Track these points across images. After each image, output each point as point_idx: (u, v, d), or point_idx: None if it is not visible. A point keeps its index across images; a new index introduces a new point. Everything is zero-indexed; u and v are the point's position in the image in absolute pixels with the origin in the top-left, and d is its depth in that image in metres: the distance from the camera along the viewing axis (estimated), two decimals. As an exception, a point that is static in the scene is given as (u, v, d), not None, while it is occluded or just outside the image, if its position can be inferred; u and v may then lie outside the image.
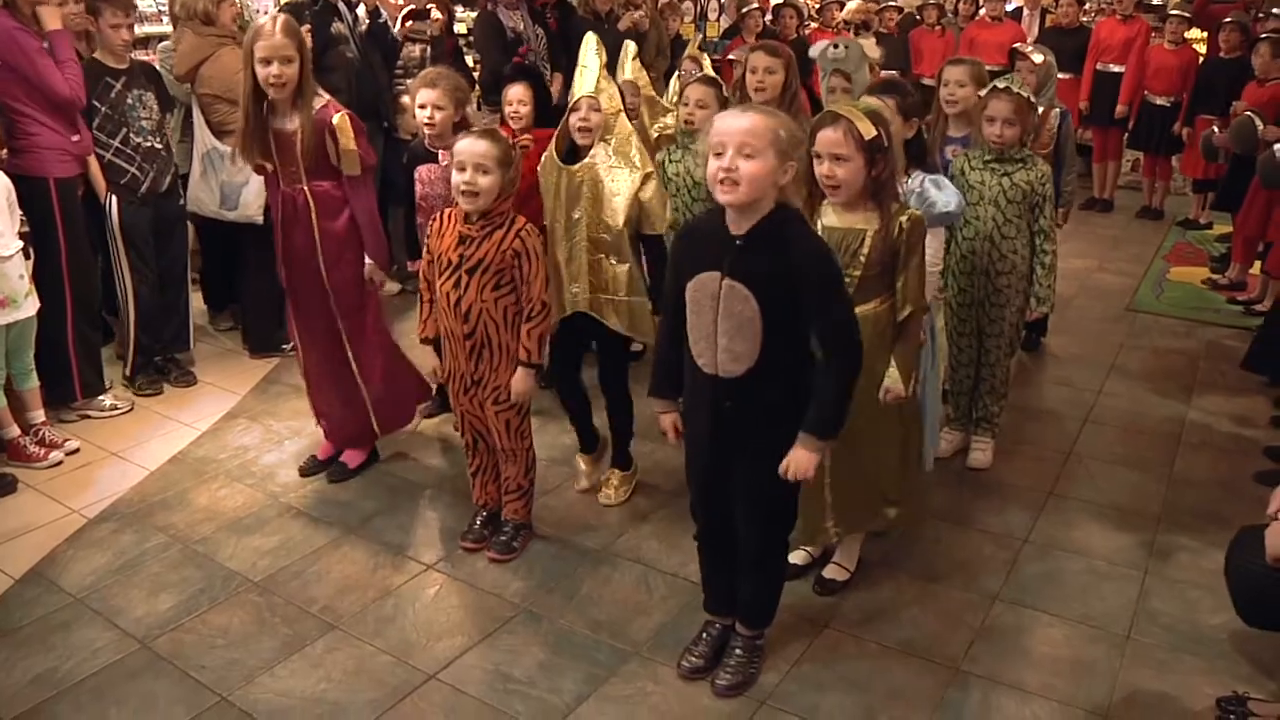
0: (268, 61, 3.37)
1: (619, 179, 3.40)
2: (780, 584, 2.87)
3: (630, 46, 4.18)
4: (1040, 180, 3.75)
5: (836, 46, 4.52)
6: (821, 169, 2.78)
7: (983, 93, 3.81)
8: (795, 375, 2.53)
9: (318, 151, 3.50)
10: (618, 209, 3.40)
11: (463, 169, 3.05)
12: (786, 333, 2.47)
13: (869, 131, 2.74)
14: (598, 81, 3.36)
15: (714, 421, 2.59)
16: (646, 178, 3.41)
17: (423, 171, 3.99)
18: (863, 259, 2.81)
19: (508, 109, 4.22)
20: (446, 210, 3.24)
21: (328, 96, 3.59)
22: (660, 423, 2.78)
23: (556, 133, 3.51)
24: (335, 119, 3.50)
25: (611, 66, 3.67)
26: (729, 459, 2.63)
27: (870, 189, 2.79)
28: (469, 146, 3.06)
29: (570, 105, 3.44)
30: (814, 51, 4.73)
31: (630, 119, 4.22)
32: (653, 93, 4.63)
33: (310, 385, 3.95)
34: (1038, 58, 4.68)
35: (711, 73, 4.50)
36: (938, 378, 3.68)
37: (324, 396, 3.93)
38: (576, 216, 3.46)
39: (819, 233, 2.80)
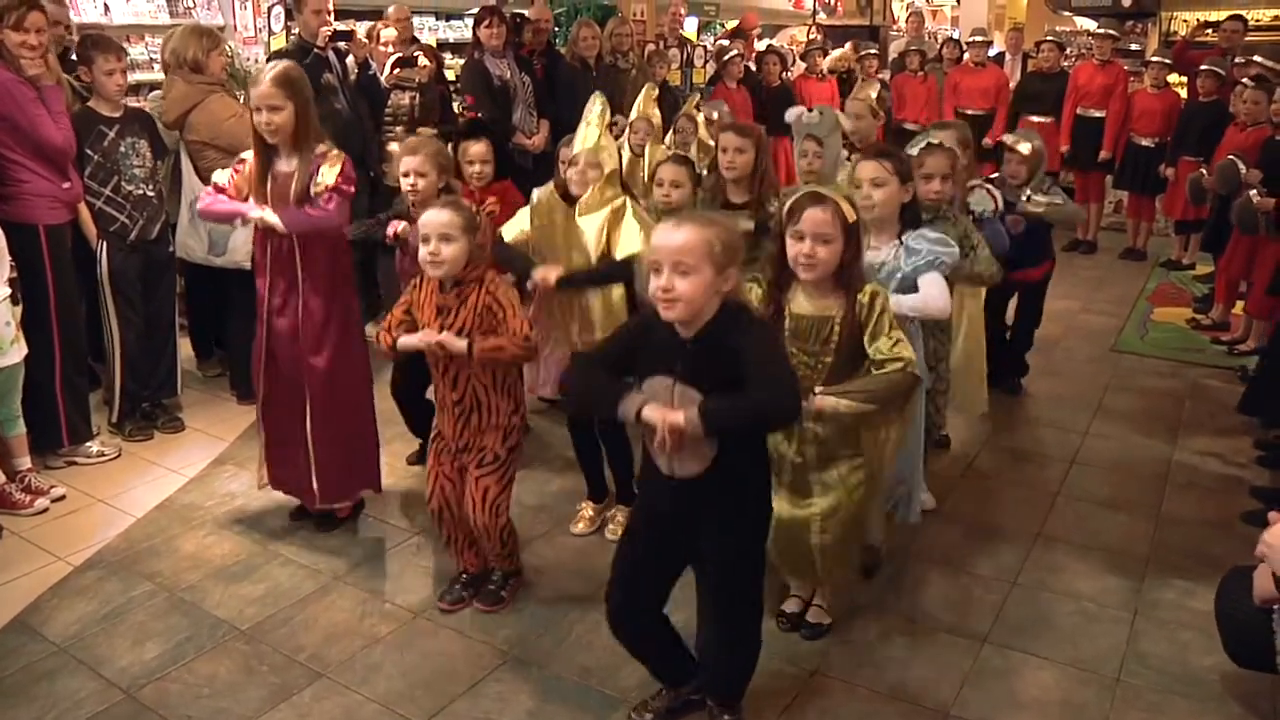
0: (259, 109, 3.45)
1: (588, 216, 3.53)
2: (755, 661, 2.78)
3: (651, 88, 4.29)
4: (965, 233, 3.74)
5: (812, 111, 4.59)
6: (802, 248, 2.78)
7: (914, 150, 3.83)
8: (751, 471, 2.55)
9: (308, 195, 3.52)
10: (587, 246, 3.52)
11: (427, 240, 3.06)
12: (742, 435, 2.47)
13: (851, 214, 2.78)
14: (599, 140, 3.42)
15: (671, 518, 2.59)
16: (616, 209, 3.49)
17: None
18: (834, 345, 2.83)
19: (469, 168, 4.31)
20: (428, 279, 3.22)
21: (330, 145, 3.64)
22: (648, 419, 2.36)
23: (554, 182, 3.58)
24: (331, 154, 3.57)
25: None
26: (681, 559, 2.63)
27: (838, 273, 2.82)
28: (433, 218, 3.07)
29: (569, 160, 3.50)
30: (789, 116, 4.79)
31: (638, 153, 4.31)
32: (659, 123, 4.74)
33: (268, 442, 3.86)
34: (1025, 148, 4.72)
35: (706, 133, 4.57)
36: (920, 430, 3.66)
37: (279, 450, 3.85)
38: (577, 260, 3.54)
39: (789, 319, 2.85)
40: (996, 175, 4.84)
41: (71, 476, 4.31)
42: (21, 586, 3.50)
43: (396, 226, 3.97)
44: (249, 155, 3.60)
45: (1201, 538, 3.85)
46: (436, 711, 2.89)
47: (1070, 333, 6.44)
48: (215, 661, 3.11)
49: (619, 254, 3.50)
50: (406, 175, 3.88)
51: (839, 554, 3.08)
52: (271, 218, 3.49)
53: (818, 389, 2.82)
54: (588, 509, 3.93)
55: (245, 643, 3.21)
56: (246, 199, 3.58)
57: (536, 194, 3.68)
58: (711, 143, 4.51)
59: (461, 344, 3.06)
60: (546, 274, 3.49)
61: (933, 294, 3.22)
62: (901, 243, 3.29)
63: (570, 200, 3.56)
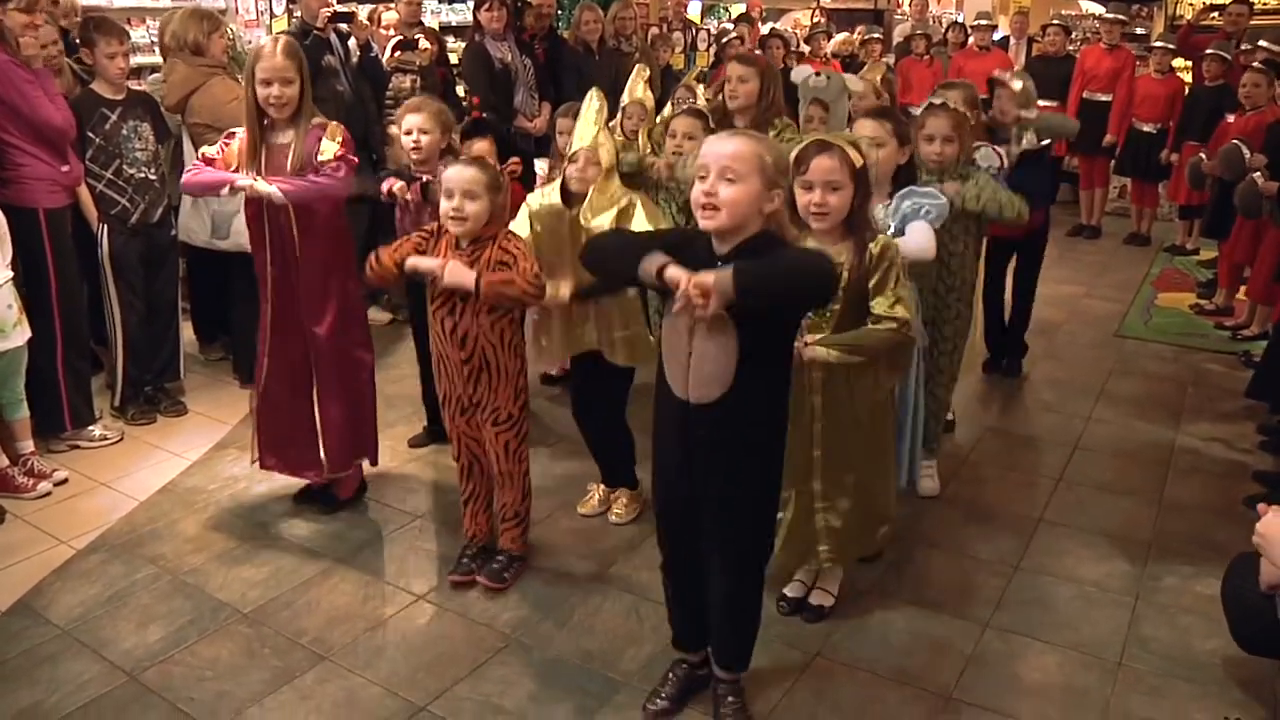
0: (268, 82, 3.41)
1: (595, 220, 3.40)
2: (758, 621, 2.77)
3: (642, 70, 4.25)
4: (981, 187, 3.70)
5: (819, 75, 4.56)
6: (812, 197, 2.76)
7: (917, 111, 3.81)
8: (770, 403, 2.51)
9: (306, 165, 3.50)
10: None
11: (450, 195, 3.07)
12: (763, 357, 2.41)
13: (859, 159, 2.76)
14: (596, 136, 3.38)
15: (685, 449, 2.52)
16: (624, 208, 3.40)
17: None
18: (842, 293, 2.81)
19: None
20: (441, 231, 3.21)
21: (324, 118, 3.63)
22: (671, 278, 2.26)
23: (558, 183, 3.52)
24: (330, 125, 3.56)
25: (609, 94, 3.69)
26: (701, 488, 2.55)
27: (848, 219, 2.81)
28: (457, 173, 3.08)
29: (569, 157, 3.45)
30: (796, 77, 4.76)
31: (631, 139, 4.28)
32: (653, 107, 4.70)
33: (264, 423, 3.84)
34: (1016, 84, 4.71)
35: (704, 103, 4.53)
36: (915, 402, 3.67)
37: (279, 430, 3.83)
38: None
39: None
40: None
41: (74, 460, 4.32)
42: (24, 570, 3.50)
43: (392, 184, 3.96)
44: (240, 130, 3.55)
45: (1204, 523, 3.85)
46: (439, 694, 2.90)
47: (1073, 318, 6.43)
48: (218, 644, 3.12)
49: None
50: (409, 133, 3.86)
51: (843, 510, 3.08)
52: (264, 187, 3.42)
53: (807, 338, 2.81)
54: (598, 490, 3.93)
55: (248, 625, 3.21)
56: (236, 172, 3.52)
57: (533, 199, 3.59)
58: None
59: (470, 276, 3.03)
60: (558, 294, 3.39)
61: (916, 238, 3.21)
62: (891, 201, 3.29)
63: (569, 200, 3.50)
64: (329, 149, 3.50)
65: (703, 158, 2.36)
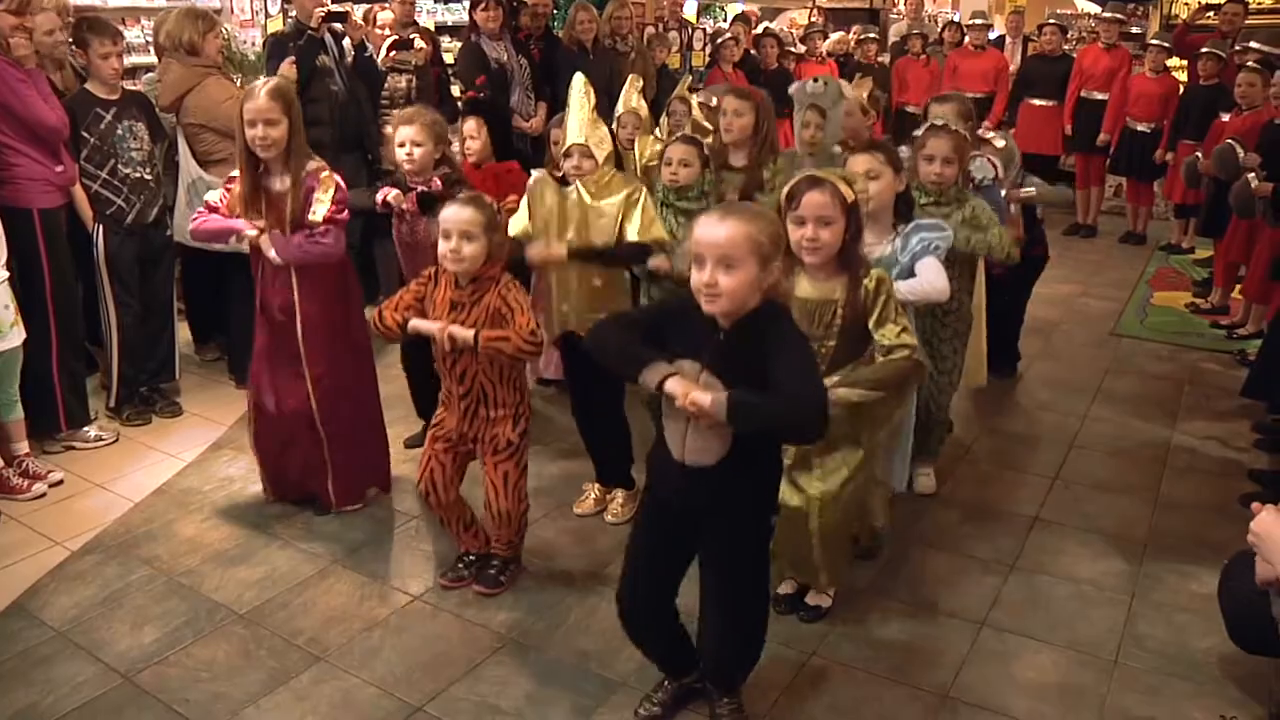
0: (254, 124, 3.43)
1: (603, 201, 3.49)
2: (757, 654, 2.74)
3: (635, 80, 4.26)
4: (974, 212, 3.68)
5: (816, 81, 4.55)
6: (804, 232, 2.78)
7: (918, 132, 3.81)
8: (763, 471, 2.52)
9: (304, 211, 3.52)
10: (604, 229, 3.49)
11: (448, 236, 3.07)
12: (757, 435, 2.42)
13: (850, 195, 2.78)
14: (586, 128, 3.39)
15: (678, 503, 2.53)
16: (631, 195, 3.48)
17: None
18: (836, 329, 2.83)
19: (460, 145, 4.30)
20: (443, 273, 3.21)
21: (320, 161, 3.64)
22: (670, 391, 2.30)
23: (547, 165, 3.56)
24: (323, 175, 3.57)
25: (604, 94, 3.70)
26: (688, 547, 2.57)
27: (840, 253, 2.82)
28: (454, 214, 3.07)
29: (564, 150, 3.47)
30: (793, 88, 4.75)
31: (627, 147, 4.29)
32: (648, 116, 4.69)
33: (267, 459, 3.86)
34: (1000, 143, 4.70)
35: (699, 114, 4.54)
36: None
37: (283, 459, 3.84)
38: (569, 237, 3.52)
39: (793, 303, 2.76)
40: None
41: (69, 461, 4.30)
42: (19, 571, 3.50)
43: (387, 193, 3.96)
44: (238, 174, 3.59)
45: (1200, 521, 3.86)
46: (435, 695, 2.89)
47: (1070, 316, 6.44)
48: (214, 645, 3.11)
49: (637, 236, 3.48)
50: (402, 145, 3.88)
51: (837, 541, 3.08)
52: (266, 246, 3.51)
53: (828, 380, 2.80)
54: (594, 490, 3.94)
55: (244, 626, 3.21)
56: (239, 218, 3.57)
57: (533, 178, 3.66)
58: (706, 124, 4.47)
59: (468, 334, 3.05)
60: (550, 250, 3.45)
61: (930, 278, 3.21)
62: (898, 233, 3.28)
63: (564, 182, 3.55)
64: (320, 209, 3.51)
65: (697, 244, 2.33)
